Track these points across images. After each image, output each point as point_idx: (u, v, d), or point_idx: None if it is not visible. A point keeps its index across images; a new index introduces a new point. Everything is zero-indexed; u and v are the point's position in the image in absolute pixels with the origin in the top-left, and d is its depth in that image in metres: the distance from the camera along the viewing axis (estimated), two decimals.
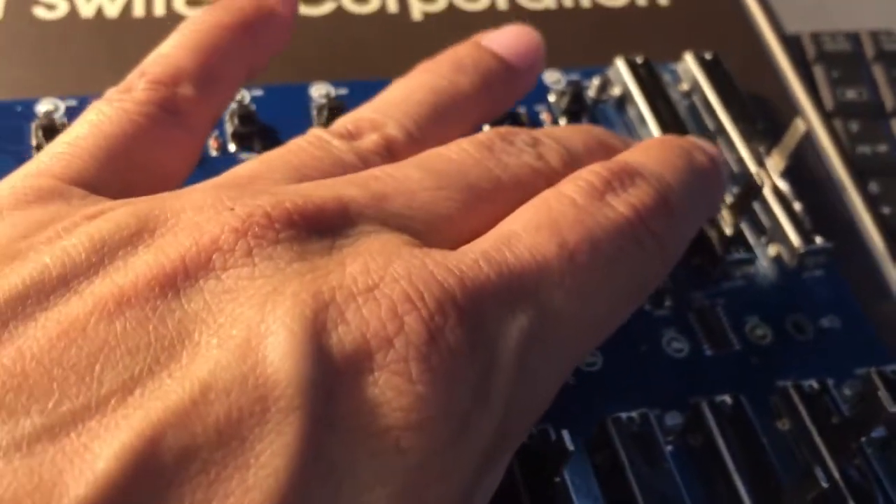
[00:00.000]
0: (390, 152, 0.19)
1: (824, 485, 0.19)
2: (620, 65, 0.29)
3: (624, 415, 0.21)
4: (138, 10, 0.30)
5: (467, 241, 0.17)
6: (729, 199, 0.26)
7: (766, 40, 0.32)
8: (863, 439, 0.21)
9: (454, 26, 0.31)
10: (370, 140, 0.19)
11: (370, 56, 0.29)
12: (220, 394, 0.13)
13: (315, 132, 0.19)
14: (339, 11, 0.31)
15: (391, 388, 0.14)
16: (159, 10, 0.30)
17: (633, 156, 0.20)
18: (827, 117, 0.30)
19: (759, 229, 0.26)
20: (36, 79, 0.28)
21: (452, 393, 0.14)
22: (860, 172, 0.29)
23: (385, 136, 0.20)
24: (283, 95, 0.27)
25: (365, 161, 0.19)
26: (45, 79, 0.28)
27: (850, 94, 0.31)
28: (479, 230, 0.18)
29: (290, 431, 0.13)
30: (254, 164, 0.18)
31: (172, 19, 0.30)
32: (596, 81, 0.29)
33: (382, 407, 0.14)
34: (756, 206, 0.26)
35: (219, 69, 0.20)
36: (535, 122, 0.28)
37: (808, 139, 0.28)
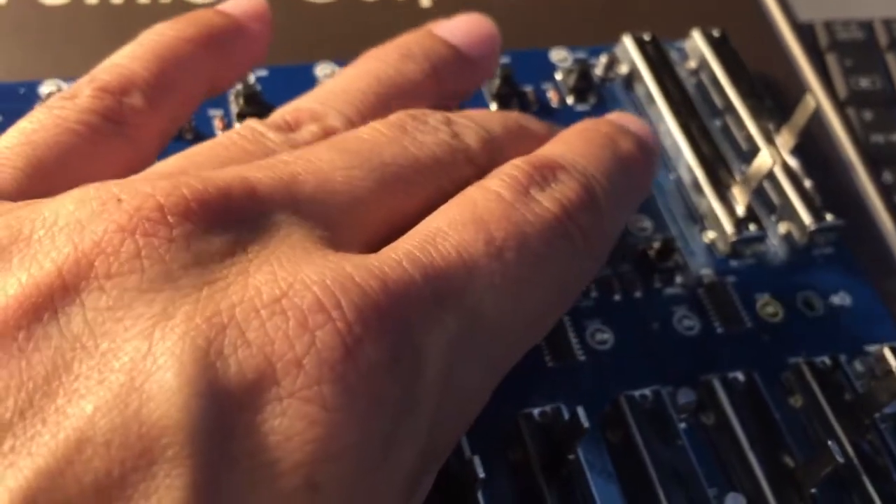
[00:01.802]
0: None
1: (839, 459, 0.19)
2: (628, 42, 0.29)
3: (637, 393, 0.21)
4: None
5: (388, 226, 0.16)
6: (739, 176, 0.25)
7: (779, 28, 0.32)
8: (876, 415, 0.21)
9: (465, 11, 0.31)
10: (308, 131, 0.18)
11: (379, 43, 0.29)
12: (99, 447, 0.12)
13: (249, 123, 0.18)
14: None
15: (301, 418, 0.12)
16: None
17: (556, 148, 0.20)
18: (840, 106, 0.30)
19: (769, 207, 0.26)
20: (41, 65, 0.27)
21: (373, 414, 0.13)
22: (874, 161, 0.29)
23: (324, 127, 0.18)
24: (288, 76, 0.27)
25: None
26: (49, 65, 0.27)
27: (864, 82, 0.30)
28: (400, 214, 0.17)
29: (181, 485, 0.11)
30: (177, 159, 0.17)
31: (177, 6, 0.30)
32: (603, 59, 0.29)
33: (292, 441, 0.12)
34: (766, 183, 0.26)
35: (175, 81, 0.19)
36: (543, 101, 0.28)
37: (818, 118, 0.27)
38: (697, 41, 0.29)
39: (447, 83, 0.21)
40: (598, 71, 0.29)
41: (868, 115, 0.30)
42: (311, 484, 0.12)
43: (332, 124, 0.19)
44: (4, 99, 0.25)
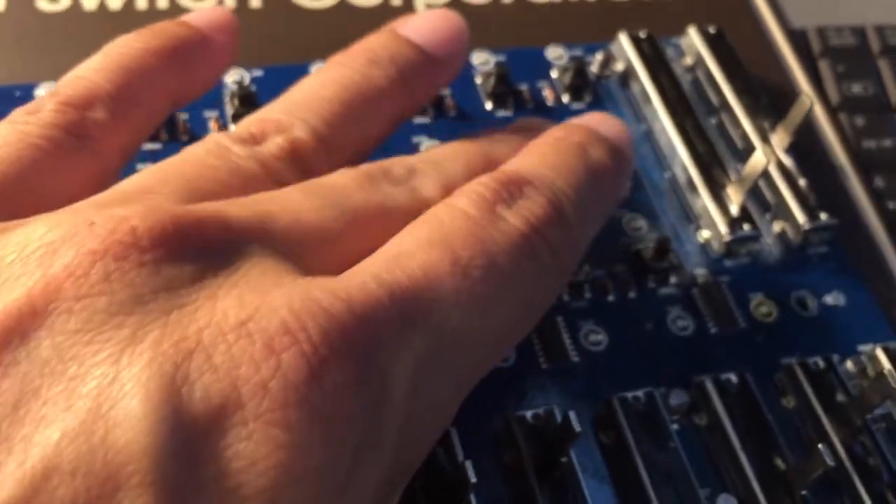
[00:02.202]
0: (296, 157, 0.18)
1: (830, 462, 0.19)
2: (623, 40, 0.29)
3: (629, 394, 0.21)
4: (141, 4, 0.30)
5: (359, 257, 0.16)
6: (734, 175, 0.25)
7: (772, 34, 0.32)
8: (868, 416, 0.21)
9: None
10: (274, 144, 0.18)
11: None
12: (65, 476, 0.12)
13: (214, 138, 0.18)
14: (343, 5, 0.30)
15: (266, 442, 0.12)
16: (162, 3, 0.30)
17: (524, 162, 0.19)
18: (832, 112, 0.30)
19: (764, 206, 0.26)
20: (39, 71, 0.27)
21: (338, 436, 0.13)
22: (865, 167, 0.29)
23: (290, 140, 0.18)
24: (282, 76, 0.27)
25: (267, 168, 0.18)
26: (48, 71, 0.27)
27: (856, 88, 0.30)
28: (369, 248, 0.17)
29: None
30: (143, 176, 0.17)
31: (175, 11, 0.30)
32: (599, 57, 0.29)
33: (257, 465, 0.12)
34: (761, 182, 0.26)
35: (139, 94, 0.19)
36: (539, 99, 0.28)
37: (810, 124, 0.27)
38: (693, 38, 0.29)
39: (414, 85, 0.21)
40: (594, 68, 0.29)
41: (860, 120, 0.30)
42: None
43: (297, 136, 0.18)
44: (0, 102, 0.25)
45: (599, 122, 0.22)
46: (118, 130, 0.18)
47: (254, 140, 0.18)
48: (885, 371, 0.21)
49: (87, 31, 0.29)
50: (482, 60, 0.28)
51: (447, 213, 0.17)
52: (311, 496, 0.13)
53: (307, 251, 0.16)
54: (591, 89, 0.28)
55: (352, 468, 0.13)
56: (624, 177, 0.22)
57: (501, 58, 0.28)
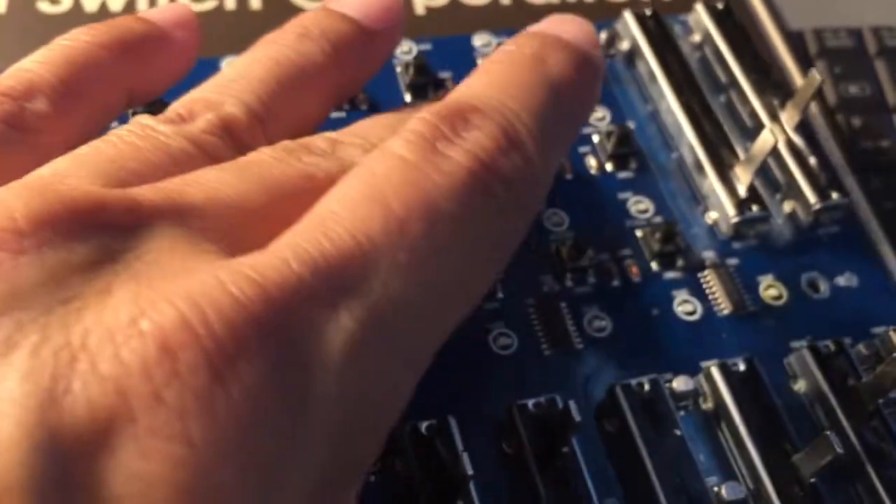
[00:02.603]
0: (229, 132, 0.17)
1: (838, 450, 0.18)
2: (628, 18, 0.28)
3: (633, 381, 0.20)
4: (141, 4, 0.30)
5: (284, 229, 0.15)
6: (743, 155, 0.25)
7: (769, 36, 0.32)
8: (881, 401, 0.20)
9: (456, 21, 0.30)
10: (204, 120, 0.17)
11: None
12: None
13: (138, 119, 0.17)
14: None
15: (164, 461, 0.11)
16: (163, 4, 0.30)
17: (471, 86, 0.18)
18: (830, 112, 0.30)
19: (774, 186, 0.25)
20: None
21: (250, 444, 0.12)
22: (862, 167, 0.28)
23: (221, 116, 0.17)
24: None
25: (198, 144, 0.16)
26: None
27: (853, 89, 0.30)
28: (297, 219, 0.15)
29: None
30: (60, 160, 0.15)
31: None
32: (604, 35, 0.28)
33: (155, 488, 0.11)
34: (771, 161, 0.25)
35: (86, 88, 0.18)
36: None
37: (806, 124, 0.27)
38: (701, 14, 0.28)
39: (349, 60, 0.20)
40: None
41: (857, 121, 0.30)
42: None
43: (229, 111, 0.17)
44: None
45: (558, 25, 0.19)
46: (61, 124, 0.18)
47: (182, 120, 0.17)
48: None
49: None
50: (483, 42, 0.27)
51: (379, 160, 0.15)
52: None
53: (229, 228, 0.14)
54: None
55: (272, 474, 0.12)
56: (593, 86, 0.20)
57: (503, 40, 0.28)
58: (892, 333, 0.21)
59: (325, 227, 0.14)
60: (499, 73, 0.18)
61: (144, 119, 0.17)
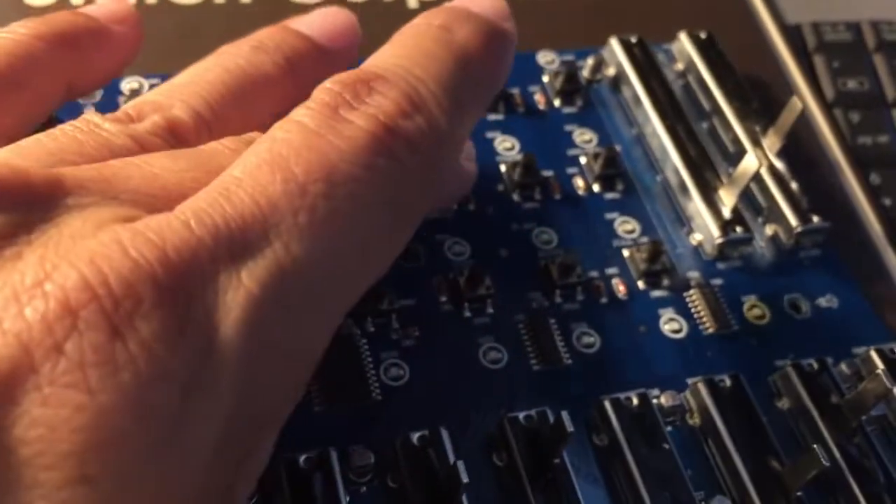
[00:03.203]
0: (174, 135, 0.17)
1: (825, 463, 0.19)
2: (615, 45, 0.29)
3: (622, 395, 0.21)
4: None
5: None
6: (726, 179, 0.25)
7: (767, 30, 0.32)
8: (863, 418, 0.21)
9: None
10: (150, 121, 0.17)
11: (364, 45, 0.29)
12: None
13: (86, 116, 0.17)
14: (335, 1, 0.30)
15: (64, 406, 0.12)
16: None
17: (377, 56, 0.18)
18: (828, 107, 0.30)
19: (756, 209, 0.26)
20: None
21: (149, 394, 0.12)
22: (861, 163, 0.29)
23: (167, 118, 0.17)
24: None
25: (141, 144, 0.17)
26: None
27: (851, 84, 0.30)
28: None
29: None
30: (3, 150, 0.16)
31: (162, 6, 0.30)
32: (590, 61, 0.29)
33: (57, 430, 0.11)
34: (753, 185, 0.26)
35: (24, 79, 0.18)
36: (530, 103, 0.28)
37: (806, 120, 0.27)
38: (684, 43, 0.29)
39: (304, 75, 0.20)
40: (586, 73, 0.29)
41: (855, 116, 0.30)
42: (84, 476, 0.12)
43: (176, 114, 0.18)
44: None
45: (452, 6, 0.20)
46: (0, 113, 0.18)
47: (129, 119, 0.17)
48: (880, 372, 0.21)
49: None
50: None
51: (281, 128, 0.16)
52: (124, 460, 0.12)
53: (155, 202, 0.15)
54: (582, 94, 0.28)
55: (174, 425, 0.13)
56: (502, 55, 0.20)
57: None
58: (872, 353, 0.22)
59: (227, 192, 0.14)
60: (404, 43, 0.18)
61: (91, 116, 0.17)
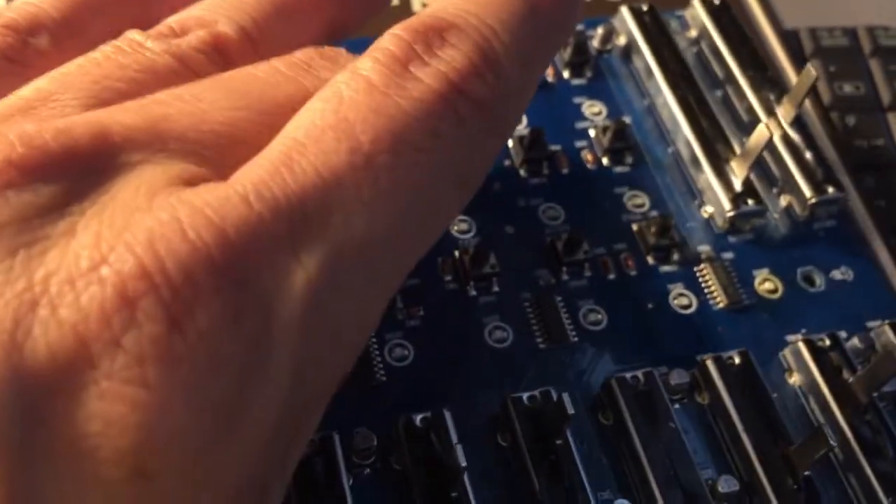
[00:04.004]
0: (220, 52, 0.16)
1: (832, 443, 0.18)
2: (625, 13, 0.28)
3: (628, 374, 0.20)
4: None
5: None
6: (739, 149, 0.25)
7: (765, 35, 0.32)
8: (875, 394, 0.20)
9: None
10: (195, 36, 0.16)
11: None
12: None
13: (128, 34, 0.16)
14: None
15: (121, 401, 0.11)
16: None
17: (451, 2, 0.17)
18: (824, 111, 0.30)
19: (770, 180, 0.25)
20: None
21: (207, 386, 0.12)
22: (856, 166, 0.28)
23: (213, 33, 0.16)
24: None
25: (186, 62, 0.16)
26: None
27: (848, 88, 0.31)
28: None
29: None
30: (46, 80, 0.15)
31: None
32: (600, 31, 0.28)
33: (113, 426, 0.11)
34: (767, 156, 0.25)
35: (88, 26, 0.18)
36: None
37: (801, 122, 0.27)
38: (698, 9, 0.28)
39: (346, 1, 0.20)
40: (595, 43, 0.28)
41: (851, 120, 0.30)
42: (141, 472, 0.11)
43: (222, 30, 0.17)
44: None
45: None
46: (60, 60, 0.17)
47: (173, 34, 0.16)
48: (894, 346, 0.20)
49: None
50: None
51: (347, 84, 0.15)
52: (183, 455, 0.12)
53: (211, 154, 0.14)
54: (592, 64, 0.28)
55: (231, 416, 0.12)
56: (570, 12, 0.19)
57: None
58: (886, 327, 0.22)
59: (289, 161, 0.14)
60: None
61: (133, 34, 0.16)
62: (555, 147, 0.25)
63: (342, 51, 0.17)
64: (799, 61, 0.31)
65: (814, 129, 0.28)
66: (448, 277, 0.23)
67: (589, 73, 0.27)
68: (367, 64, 0.15)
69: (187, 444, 0.12)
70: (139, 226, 0.12)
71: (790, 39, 0.32)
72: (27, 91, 0.15)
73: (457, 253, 0.23)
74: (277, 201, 0.13)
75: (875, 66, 0.31)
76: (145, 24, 0.18)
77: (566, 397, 0.18)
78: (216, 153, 0.14)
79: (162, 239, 0.12)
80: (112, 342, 0.11)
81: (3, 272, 0.12)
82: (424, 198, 0.15)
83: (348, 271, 0.14)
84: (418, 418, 0.19)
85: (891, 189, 0.28)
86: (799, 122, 0.25)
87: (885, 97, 0.30)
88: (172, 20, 0.17)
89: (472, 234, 0.23)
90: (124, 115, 0.14)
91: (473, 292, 0.22)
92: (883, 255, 0.25)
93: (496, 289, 0.22)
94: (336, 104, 0.14)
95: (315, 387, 0.14)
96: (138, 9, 0.19)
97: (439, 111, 0.15)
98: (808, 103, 0.29)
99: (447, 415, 0.19)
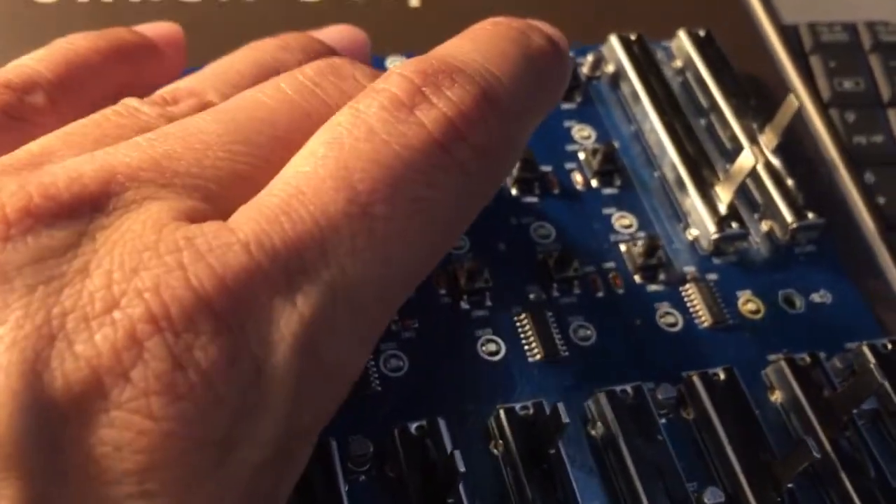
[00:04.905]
0: None
1: (816, 455, 0.19)
2: (614, 42, 0.29)
3: (618, 388, 0.21)
4: None
5: None
6: (722, 175, 0.26)
7: (764, 30, 0.32)
8: (854, 411, 0.21)
9: (451, 13, 0.31)
10: (186, 104, 0.18)
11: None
12: None
13: (125, 101, 0.17)
14: None
15: (128, 429, 0.12)
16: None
17: (456, 46, 0.18)
18: (824, 107, 0.30)
19: (752, 205, 0.26)
20: None
21: (204, 420, 0.13)
22: (856, 162, 0.29)
23: (203, 102, 0.18)
24: None
25: None
26: None
27: (847, 84, 0.31)
28: None
29: (10, 497, 0.12)
30: (49, 138, 0.16)
31: (166, 4, 0.30)
32: (590, 58, 0.29)
33: (121, 451, 0.12)
34: (749, 182, 0.26)
35: (80, 86, 0.19)
36: None
37: (802, 119, 0.28)
38: (683, 41, 0.29)
39: None
40: (585, 70, 0.29)
41: (851, 116, 0.30)
42: (144, 492, 0.12)
43: (210, 99, 0.18)
44: None
45: (534, 21, 0.20)
46: (56, 116, 0.18)
47: (165, 102, 0.18)
48: (871, 367, 0.21)
49: (81, 22, 0.29)
50: None
51: (349, 127, 0.16)
52: (180, 478, 0.13)
53: (214, 189, 0.15)
54: (581, 90, 0.28)
55: (225, 448, 0.13)
56: (565, 72, 0.20)
57: None
58: (864, 348, 0.22)
59: (288, 209, 0.14)
60: (477, 38, 0.18)
61: (130, 101, 0.18)
62: (546, 168, 0.26)
63: (346, 63, 0.18)
64: (798, 57, 0.31)
65: (812, 126, 0.28)
66: (442, 291, 0.23)
67: (579, 98, 0.28)
68: (370, 104, 0.16)
69: (185, 468, 0.13)
70: (148, 272, 0.13)
71: (790, 35, 0.32)
72: (33, 146, 0.16)
73: (451, 268, 0.23)
74: (276, 250, 0.14)
75: (875, 61, 0.31)
76: (138, 87, 0.20)
77: (561, 407, 0.19)
78: (218, 186, 0.15)
79: (167, 288, 0.13)
80: (122, 375, 0.13)
81: (22, 307, 0.13)
82: (417, 244, 0.16)
83: (341, 314, 0.15)
84: (413, 426, 0.20)
85: (890, 185, 0.28)
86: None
87: (885, 93, 0.30)
88: (165, 91, 0.18)
89: (466, 249, 0.24)
90: (131, 154, 0.15)
91: (467, 306, 0.23)
92: (882, 252, 0.26)
93: (489, 303, 0.23)
94: (337, 151, 0.15)
95: (308, 422, 0.15)
96: (130, 71, 0.21)
97: (438, 161, 0.16)
98: (807, 102, 0.29)
99: (442, 423, 0.20)
